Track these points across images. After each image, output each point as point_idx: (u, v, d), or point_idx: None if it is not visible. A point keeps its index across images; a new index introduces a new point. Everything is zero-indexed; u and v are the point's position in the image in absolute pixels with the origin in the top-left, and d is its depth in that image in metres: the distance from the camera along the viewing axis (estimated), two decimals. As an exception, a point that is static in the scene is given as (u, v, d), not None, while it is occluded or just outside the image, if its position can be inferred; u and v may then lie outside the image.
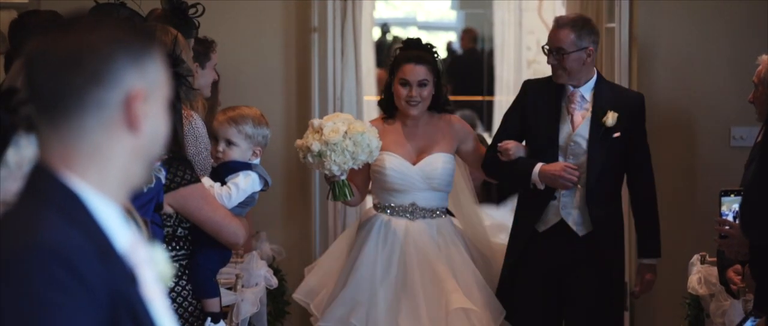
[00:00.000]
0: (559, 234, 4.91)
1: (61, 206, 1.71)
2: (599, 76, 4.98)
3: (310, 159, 4.70)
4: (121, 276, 1.72)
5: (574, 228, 4.89)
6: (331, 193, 4.87)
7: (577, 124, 4.90)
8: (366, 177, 5.08)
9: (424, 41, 5.10)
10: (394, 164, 4.97)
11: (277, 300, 5.90)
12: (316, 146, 4.65)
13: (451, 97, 10.51)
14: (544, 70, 9.58)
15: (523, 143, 5.04)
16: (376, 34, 11.72)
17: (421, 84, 4.94)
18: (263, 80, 6.64)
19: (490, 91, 10.83)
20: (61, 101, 1.72)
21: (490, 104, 10.84)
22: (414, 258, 4.87)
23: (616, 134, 4.84)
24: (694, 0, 6.14)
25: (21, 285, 1.62)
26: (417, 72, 4.94)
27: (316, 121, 4.77)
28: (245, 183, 3.94)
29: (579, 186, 4.86)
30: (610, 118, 4.81)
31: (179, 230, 3.85)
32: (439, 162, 4.98)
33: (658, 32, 6.21)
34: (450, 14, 13.41)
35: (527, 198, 5.00)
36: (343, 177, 4.78)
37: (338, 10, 6.65)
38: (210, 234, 3.85)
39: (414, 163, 4.99)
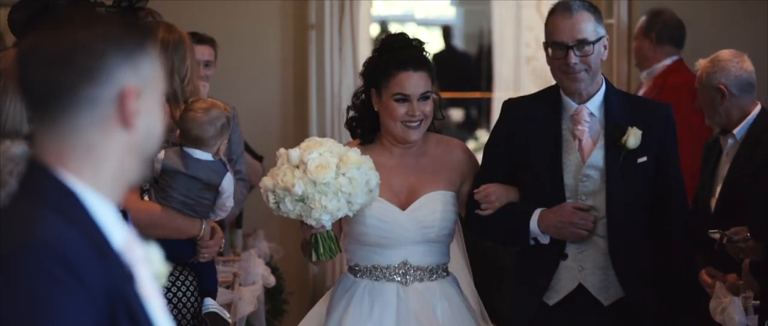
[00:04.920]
0: (578, 305, 3.64)
1: (58, 204, 1.71)
2: (608, 83, 3.73)
3: (288, 205, 3.47)
4: (118, 274, 1.72)
5: (597, 295, 3.63)
6: (311, 251, 3.59)
7: (588, 152, 3.64)
8: (338, 225, 3.74)
9: (411, 36, 3.79)
10: (378, 211, 3.66)
11: (275, 299, 5.89)
12: (300, 187, 3.43)
13: (448, 95, 10.41)
14: (543, 66, 9.56)
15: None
16: (374, 30, 11.70)
17: (424, 96, 3.66)
18: (260, 77, 6.63)
19: (489, 88, 10.82)
20: (53, 98, 1.72)
21: (489, 101, 10.83)
22: None
23: (642, 158, 3.63)
24: (693, 0, 6.13)
25: (18, 282, 1.62)
26: (417, 81, 3.65)
27: (293, 153, 3.50)
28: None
29: (599, 236, 3.63)
30: (632, 136, 3.59)
31: None
32: (437, 204, 3.69)
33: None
34: (449, 11, 13.38)
35: (528, 259, 3.71)
36: (329, 228, 3.57)
37: (336, 6, 6.64)
38: None
39: (403, 207, 3.69)
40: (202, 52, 5.09)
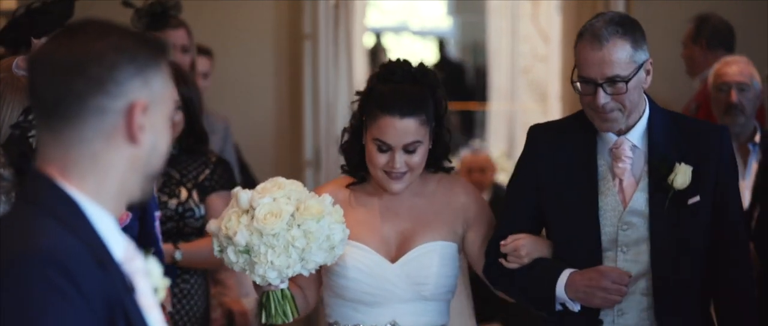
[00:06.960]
0: None
1: (59, 214, 1.72)
2: (652, 104, 3.10)
3: (231, 255, 2.94)
4: (118, 285, 1.73)
5: None
6: (262, 311, 3.02)
7: (630, 194, 3.04)
8: (314, 276, 3.14)
9: (416, 63, 3.18)
10: (362, 262, 3.10)
11: (270, 311, 5.83)
12: (242, 237, 2.90)
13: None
14: (539, 78, 9.56)
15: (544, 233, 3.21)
16: (369, 41, 11.68)
17: (410, 149, 3.07)
18: (254, 88, 6.60)
19: (484, 99, 10.82)
20: (62, 107, 1.73)
21: (484, 113, 10.84)
22: None
23: (693, 199, 3.01)
24: (691, 0, 6.10)
25: (18, 290, 1.63)
26: (402, 130, 3.04)
27: (243, 195, 2.95)
28: None
29: (642, 294, 3.06)
30: (680, 174, 2.99)
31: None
32: (433, 257, 3.11)
33: (654, 35, 6.15)
34: (445, 22, 13.36)
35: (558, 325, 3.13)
36: (284, 286, 3.01)
37: (331, 17, 6.62)
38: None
39: (393, 260, 3.12)
40: (199, 63, 5.08)
